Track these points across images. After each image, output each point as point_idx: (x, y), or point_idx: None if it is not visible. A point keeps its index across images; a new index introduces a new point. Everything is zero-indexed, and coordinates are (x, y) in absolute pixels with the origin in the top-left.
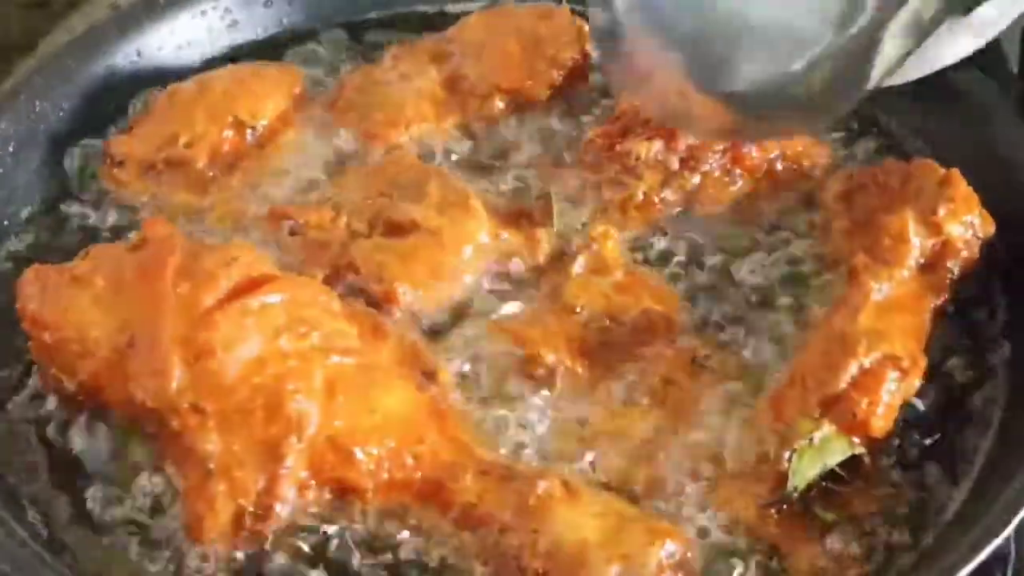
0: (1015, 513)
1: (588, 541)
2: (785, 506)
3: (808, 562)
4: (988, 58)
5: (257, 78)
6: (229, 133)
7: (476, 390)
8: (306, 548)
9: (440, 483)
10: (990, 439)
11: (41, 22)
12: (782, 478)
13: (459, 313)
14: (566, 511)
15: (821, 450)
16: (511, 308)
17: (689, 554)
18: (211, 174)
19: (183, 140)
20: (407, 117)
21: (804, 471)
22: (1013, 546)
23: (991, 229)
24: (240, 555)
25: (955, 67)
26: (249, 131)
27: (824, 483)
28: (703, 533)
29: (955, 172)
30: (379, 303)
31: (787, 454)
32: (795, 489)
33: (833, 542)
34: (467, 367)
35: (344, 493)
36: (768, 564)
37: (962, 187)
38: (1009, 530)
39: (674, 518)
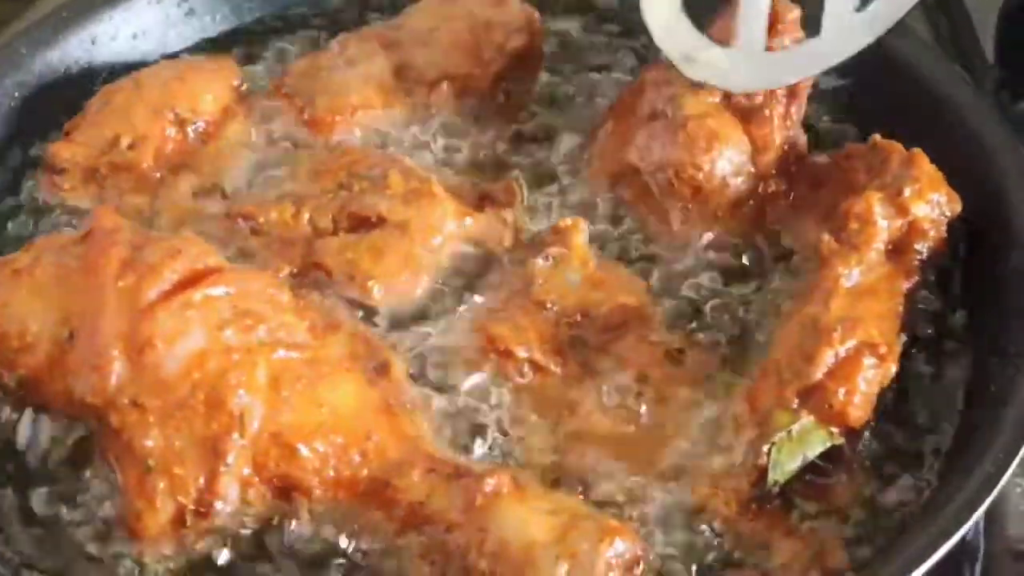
0: (972, 512)
1: (535, 540)
2: (766, 501)
3: (791, 555)
4: (964, 48)
5: (194, 72)
6: (172, 131)
7: (445, 388)
8: (248, 546)
9: (387, 481)
10: (951, 433)
11: (9, 10)
12: (762, 472)
13: (427, 305)
14: (514, 509)
15: (800, 442)
16: (479, 298)
17: (640, 552)
18: (158, 175)
19: (125, 142)
20: (352, 104)
21: (784, 464)
22: (982, 540)
23: (958, 207)
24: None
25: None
26: (191, 128)
27: (805, 475)
28: (683, 531)
29: (919, 152)
30: (351, 301)
31: (766, 448)
32: (775, 483)
33: (816, 533)
34: (435, 363)
35: (288, 491)
36: (751, 559)
37: (926, 166)
38: (964, 530)
39: (651, 517)
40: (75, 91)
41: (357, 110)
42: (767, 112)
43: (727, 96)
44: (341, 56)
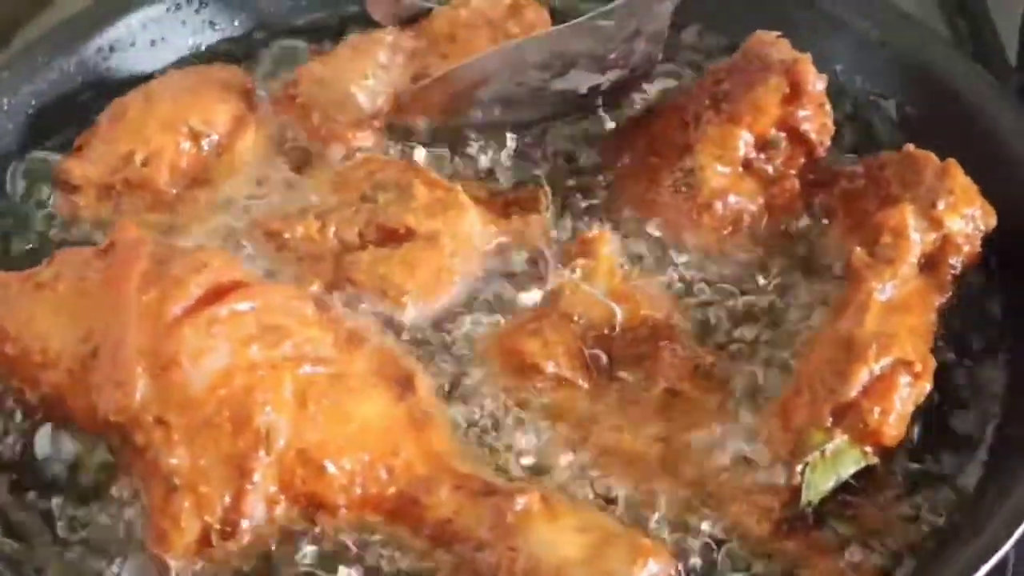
0: (1016, 526)
1: (568, 559)
2: (799, 521)
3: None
4: (985, 52)
5: (205, 83)
6: (186, 145)
7: (473, 403)
8: (273, 565)
9: (414, 498)
10: (987, 449)
11: (24, 10)
12: (795, 492)
13: (455, 317)
14: (545, 528)
15: (834, 462)
16: (508, 309)
17: (673, 572)
18: (174, 191)
19: (139, 158)
20: (370, 116)
21: (818, 485)
22: (1012, 552)
23: (992, 221)
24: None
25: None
26: (205, 141)
27: (837, 495)
28: (714, 551)
29: (952, 162)
30: (376, 314)
31: (799, 467)
32: (810, 503)
33: (851, 555)
34: (462, 378)
35: (315, 509)
36: None
37: (961, 178)
38: (1009, 545)
39: (682, 536)
40: (92, 99)
41: (374, 120)
42: (790, 173)
43: (747, 162)
44: (353, 63)
